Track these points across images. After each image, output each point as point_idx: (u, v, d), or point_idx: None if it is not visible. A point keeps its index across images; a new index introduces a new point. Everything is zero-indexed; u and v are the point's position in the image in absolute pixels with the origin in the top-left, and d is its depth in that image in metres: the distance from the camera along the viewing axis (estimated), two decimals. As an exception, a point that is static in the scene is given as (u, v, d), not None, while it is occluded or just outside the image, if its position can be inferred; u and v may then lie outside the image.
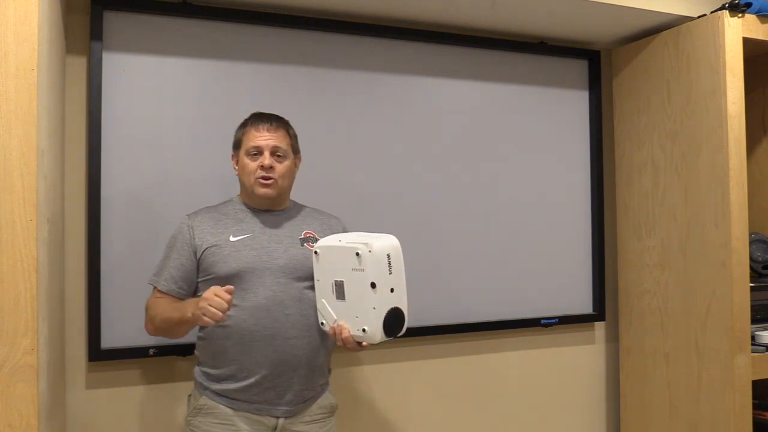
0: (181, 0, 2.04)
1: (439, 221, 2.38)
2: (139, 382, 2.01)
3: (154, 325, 1.72)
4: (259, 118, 1.79)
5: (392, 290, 1.57)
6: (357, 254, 1.57)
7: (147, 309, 1.74)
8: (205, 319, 1.51)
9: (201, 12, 2.06)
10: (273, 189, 1.75)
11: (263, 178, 1.74)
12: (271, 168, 1.73)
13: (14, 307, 1.34)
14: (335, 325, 1.64)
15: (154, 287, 1.75)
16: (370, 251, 1.55)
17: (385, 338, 1.58)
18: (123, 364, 1.98)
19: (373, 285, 1.55)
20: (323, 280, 1.68)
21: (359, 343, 1.63)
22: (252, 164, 1.75)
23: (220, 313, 1.51)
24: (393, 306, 1.57)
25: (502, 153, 2.50)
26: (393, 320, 1.58)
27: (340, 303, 1.63)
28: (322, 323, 1.70)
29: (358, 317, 1.59)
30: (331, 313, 1.66)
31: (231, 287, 1.55)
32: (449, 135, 2.41)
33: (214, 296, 1.52)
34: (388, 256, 1.57)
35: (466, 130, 2.44)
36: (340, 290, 1.63)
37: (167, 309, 1.68)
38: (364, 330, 1.58)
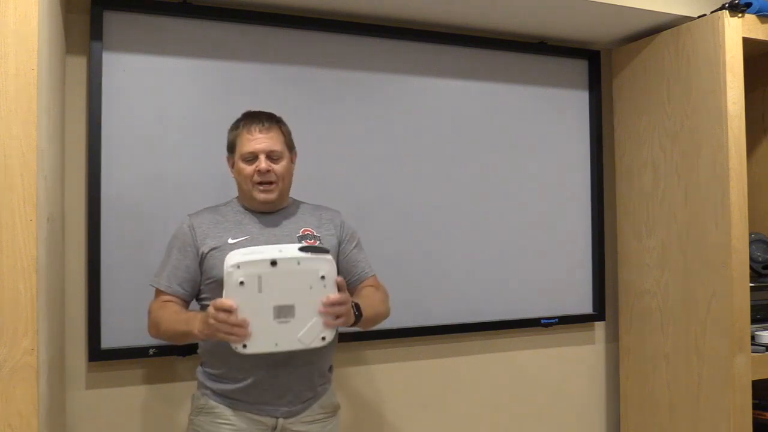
0: (181, 0, 2.04)
1: (438, 221, 2.38)
2: (139, 382, 2.01)
3: (157, 331, 1.70)
4: (250, 120, 1.74)
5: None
6: (241, 283, 1.46)
7: (150, 313, 1.72)
8: (231, 338, 1.47)
9: (201, 12, 2.06)
10: (273, 193, 1.73)
11: (261, 183, 1.71)
12: (268, 172, 1.71)
13: (14, 307, 1.34)
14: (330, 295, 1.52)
15: (156, 288, 1.73)
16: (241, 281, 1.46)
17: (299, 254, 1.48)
18: (123, 364, 1.98)
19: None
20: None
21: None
22: (248, 168, 1.71)
23: (243, 333, 1.46)
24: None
25: (502, 153, 2.50)
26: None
27: (289, 320, 1.52)
28: (323, 338, 1.55)
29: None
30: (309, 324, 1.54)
31: (231, 304, 1.45)
32: (448, 135, 2.41)
33: (219, 316, 1.45)
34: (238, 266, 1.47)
35: (466, 130, 2.44)
36: (283, 310, 1.51)
37: (172, 319, 1.65)
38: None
